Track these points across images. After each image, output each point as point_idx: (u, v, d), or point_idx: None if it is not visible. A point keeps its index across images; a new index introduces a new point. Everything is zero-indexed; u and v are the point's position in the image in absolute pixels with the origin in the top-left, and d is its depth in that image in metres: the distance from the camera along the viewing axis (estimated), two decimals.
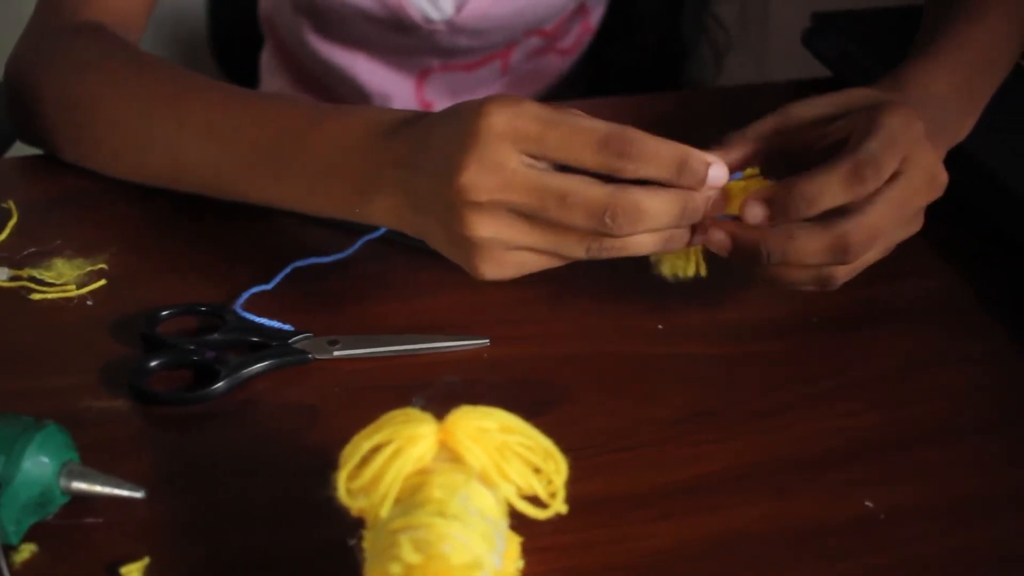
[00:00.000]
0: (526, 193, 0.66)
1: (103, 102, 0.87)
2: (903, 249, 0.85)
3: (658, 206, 0.67)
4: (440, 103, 1.26)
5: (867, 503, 0.67)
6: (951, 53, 0.86)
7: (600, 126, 0.67)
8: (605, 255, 0.69)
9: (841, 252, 0.71)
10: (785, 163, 0.75)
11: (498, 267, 0.69)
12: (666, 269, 0.78)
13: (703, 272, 0.77)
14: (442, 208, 0.69)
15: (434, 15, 1.15)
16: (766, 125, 0.76)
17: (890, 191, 0.71)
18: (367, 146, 0.74)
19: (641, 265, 0.80)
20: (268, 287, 0.81)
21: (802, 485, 0.69)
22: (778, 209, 0.71)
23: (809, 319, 0.81)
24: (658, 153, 0.67)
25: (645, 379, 0.76)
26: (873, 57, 1.03)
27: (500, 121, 0.66)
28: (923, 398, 0.75)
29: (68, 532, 0.64)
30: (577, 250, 0.68)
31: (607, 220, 0.66)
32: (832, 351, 0.79)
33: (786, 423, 0.73)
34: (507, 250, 0.69)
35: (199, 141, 0.82)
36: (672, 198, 0.68)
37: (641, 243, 0.69)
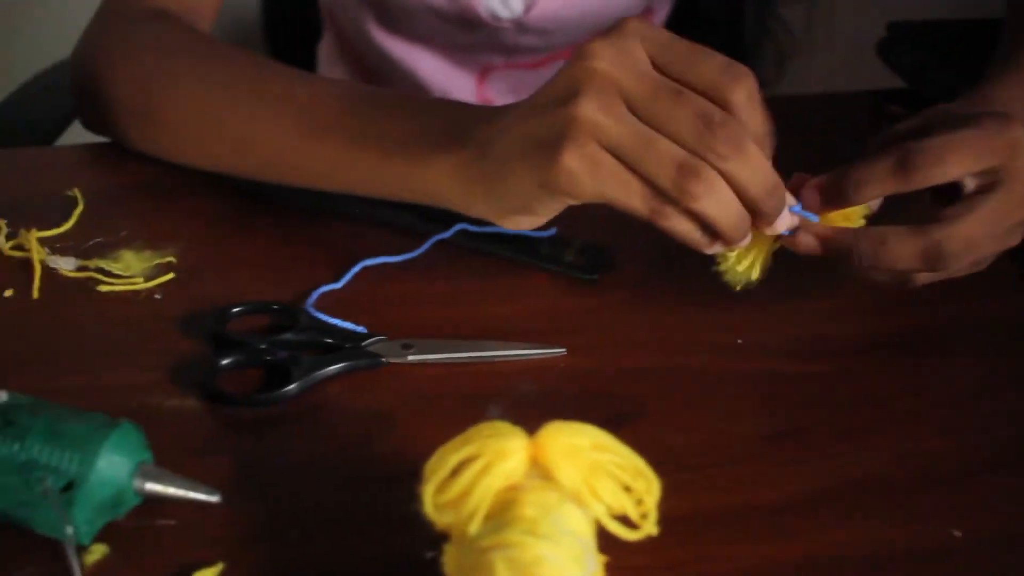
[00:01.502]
0: (645, 79, 0.65)
1: (180, 84, 0.86)
2: (985, 269, 0.84)
3: (756, 154, 0.66)
4: (501, 100, 1.25)
5: (955, 532, 0.66)
6: None
7: (721, 56, 0.66)
8: (694, 187, 0.65)
9: (933, 260, 0.70)
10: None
11: (581, 159, 0.66)
12: (729, 274, 0.75)
13: (761, 276, 0.75)
14: (539, 106, 0.68)
15: (503, 13, 1.13)
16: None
17: (987, 201, 0.70)
18: (455, 106, 0.77)
19: (716, 281, 0.79)
20: (338, 286, 0.79)
21: (885, 510, 0.67)
22: (833, 195, 0.71)
23: (889, 338, 0.79)
24: (762, 106, 0.67)
25: (722, 395, 0.74)
26: (949, 69, 1.01)
27: (635, 22, 0.67)
28: (1006, 422, 0.74)
29: (140, 534, 0.62)
30: (668, 168, 0.65)
31: (714, 126, 0.64)
32: (910, 372, 0.77)
33: (867, 445, 0.71)
34: (599, 147, 0.66)
35: (273, 115, 0.82)
36: (767, 162, 0.67)
37: (726, 196, 0.66)
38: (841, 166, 0.71)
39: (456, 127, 0.75)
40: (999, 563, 0.65)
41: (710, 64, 0.66)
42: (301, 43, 1.41)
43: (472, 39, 1.17)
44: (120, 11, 0.93)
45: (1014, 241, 0.73)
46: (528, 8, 1.13)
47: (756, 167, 0.66)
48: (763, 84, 1.35)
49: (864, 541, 0.65)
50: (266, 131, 0.83)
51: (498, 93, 1.24)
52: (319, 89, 0.83)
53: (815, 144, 0.99)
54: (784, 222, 0.70)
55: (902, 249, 0.70)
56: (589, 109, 0.65)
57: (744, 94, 0.65)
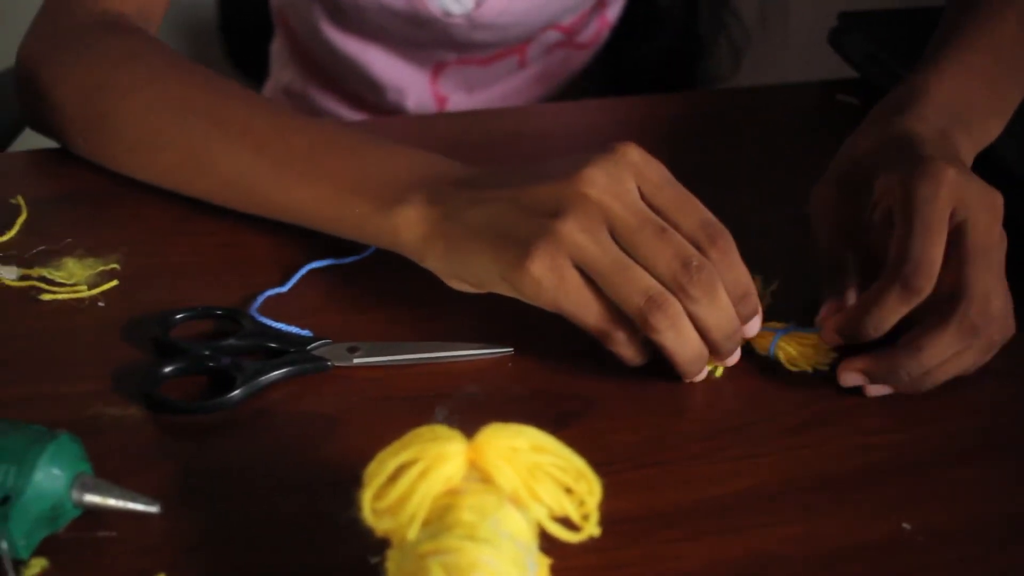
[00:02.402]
0: (631, 210, 0.68)
1: (132, 95, 0.85)
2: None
3: (726, 302, 0.69)
4: (455, 96, 1.24)
5: (904, 525, 0.65)
6: (968, 52, 0.84)
7: (704, 209, 0.70)
8: (658, 320, 0.67)
9: (971, 332, 0.70)
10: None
11: (550, 269, 0.68)
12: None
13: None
14: (529, 208, 0.70)
15: (454, 9, 1.13)
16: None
17: (972, 251, 0.71)
18: (419, 160, 0.78)
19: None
20: (283, 289, 0.79)
21: (835, 505, 0.67)
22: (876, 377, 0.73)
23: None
24: (737, 266, 0.70)
25: (672, 393, 0.73)
26: (899, 58, 1.01)
27: (634, 154, 0.70)
28: (958, 415, 0.73)
29: (80, 546, 0.61)
30: (636, 297, 0.67)
31: (692, 268, 0.67)
32: None
33: (818, 439, 0.71)
34: (569, 263, 0.68)
35: (230, 141, 0.81)
36: (731, 310, 0.70)
37: (689, 334, 0.69)
38: (849, 312, 0.73)
39: (432, 183, 0.75)
40: (948, 555, 0.64)
41: (696, 216, 0.70)
42: (257, 43, 1.40)
43: (424, 36, 1.17)
44: (70, 11, 0.91)
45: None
46: (478, 4, 1.13)
47: (723, 313, 0.69)
48: (719, 77, 1.36)
49: (813, 536, 0.65)
50: (220, 157, 0.81)
51: (452, 89, 1.24)
52: (278, 119, 0.82)
53: (767, 135, 1.00)
54: (734, 359, 0.74)
55: (939, 342, 0.70)
56: (571, 227, 0.68)
57: (720, 253, 0.69)
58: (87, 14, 0.90)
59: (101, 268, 0.79)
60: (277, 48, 1.33)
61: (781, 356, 0.75)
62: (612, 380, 0.74)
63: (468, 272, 0.72)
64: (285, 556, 0.62)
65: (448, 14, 1.13)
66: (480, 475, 0.55)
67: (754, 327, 0.73)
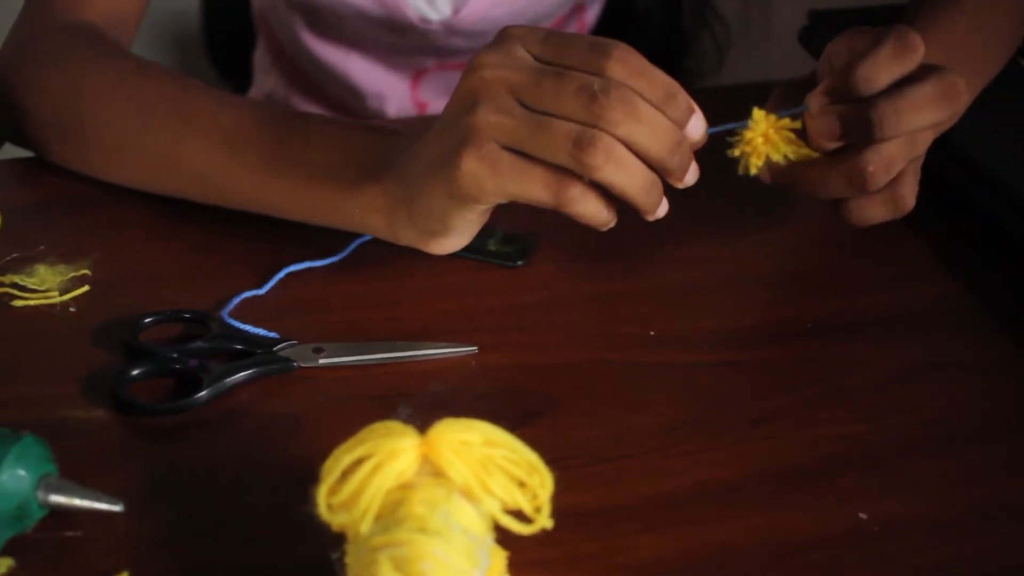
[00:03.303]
0: (527, 71, 0.67)
1: (102, 100, 0.86)
2: (900, 254, 0.85)
3: (651, 113, 0.66)
4: (435, 103, 1.25)
5: (861, 515, 0.66)
6: (929, 44, 0.84)
7: (591, 38, 0.68)
8: (593, 157, 0.65)
9: (948, 99, 0.72)
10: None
11: (480, 160, 0.67)
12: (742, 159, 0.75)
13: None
14: (441, 130, 0.70)
15: (431, 16, 1.14)
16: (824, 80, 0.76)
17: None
18: (374, 140, 0.78)
19: (632, 273, 0.79)
20: (262, 292, 0.80)
21: (794, 496, 0.68)
22: (839, 94, 0.72)
23: (803, 326, 0.80)
24: (646, 68, 0.67)
25: (634, 388, 0.74)
26: None
27: (513, 28, 0.69)
28: (918, 406, 0.74)
29: (47, 546, 0.62)
30: (564, 144, 0.65)
31: (599, 96, 0.65)
32: (826, 359, 0.78)
33: (778, 432, 0.72)
34: (497, 147, 0.67)
35: (197, 139, 0.82)
36: (661, 119, 0.67)
37: (627, 160, 0.66)
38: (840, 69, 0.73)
39: (378, 159, 0.76)
40: (905, 545, 0.65)
41: (582, 45, 0.67)
42: (241, 51, 1.41)
43: (403, 42, 1.18)
44: (41, 22, 0.92)
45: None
46: (456, 10, 1.14)
47: (652, 126, 0.66)
48: (703, 75, 1.36)
49: (772, 528, 0.66)
50: (191, 154, 0.83)
51: (433, 95, 1.25)
52: (244, 113, 0.82)
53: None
54: (694, 175, 0.70)
55: (921, 93, 0.71)
56: (482, 114, 0.67)
57: (619, 65, 0.66)
58: (59, 25, 0.91)
59: (72, 274, 0.80)
60: (260, 55, 1.34)
61: (746, 149, 0.74)
62: (573, 377, 0.75)
63: (430, 221, 0.72)
64: (249, 553, 0.63)
65: (425, 21, 1.14)
66: (433, 469, 0.56)
67: (697, 128, 0.69)
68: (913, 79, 0.72)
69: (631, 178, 0.67)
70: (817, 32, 1.07)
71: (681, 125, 0.68)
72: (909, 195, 0.76)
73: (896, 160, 0.73)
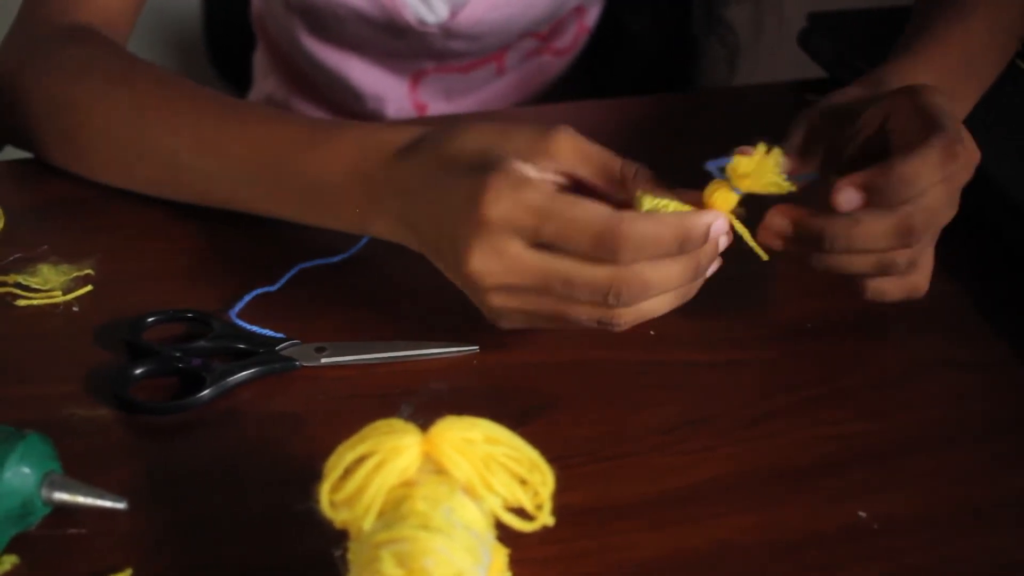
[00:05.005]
0: (530, 276, 0.68)
1: (95, 108, 0.86)
2: None
3: (665, 275, 0.68)
4: (434, 104, 1.26)
5: (860, 513, 0.67)
6: (933, 53, 0.85)
7: (596, 220, 0.66)
8: (619, 327, 0.69)
9: (906, 234, 0.70)
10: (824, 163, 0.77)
11: (512, 323, 0.71)
12: None
13: None
14: (451, 261, 0.70)
15: (429, 19, 1.14)
16: (801, 127, 0.77)
17: (930, 144, 0.71)
18: (365, 173, 0.75)
19: None
20: (273, 288, 0.80)
21: (793, 495, 0.68)
22: (875, 193, 0.70)
23: (802, 326, 0.80)
24: (657, 238, 0.67)
25: (634, 387, 0.75)
26: (868, 58, 1.02)
27: (499, 210, 0.67)
28: (916, 405, 0.75)
29: (51, 543, 0.63)
30: (588, 322, 0.69)
31: (611, 299, 0.67)
32: (825, 358, 0.78)
33: (777, 431, 0.72)
34: (518, 308, 0.70)
35: (191, 153, 0.82)
36: (680, 266, 0.68)
37: (654, 308, 0.70)
38: (879, 165, 0.71)
39: (372, 200, 0.75)
40: (902, 542, 0.66)
41: (586, 236, 0.66)
42: (242, 51, 1.41)
43: (402, 45, 1.18)
44: (37, 26, 0.93)
45: (955, 209, 0.74)
46: (454, 13, 1.14)
47: (669, 281, 0.68)
48: (714, 83, 1.35)
49: (771, 525, 0.66)
50: (189, 170, 0.83)
51: (432, 97, 1.25)
52: (230, 123, 0.82)
53: (736, 135, 1.00)
54: (718, 229, 0.70)
55: (876, 227, 0.70)
56: (498, 302, 0.69)
57: (627, 252, 0.66)
58: (54, 27, 0.92)
59: (75, 274, 0.80)
60: (259, 58, 1.34)
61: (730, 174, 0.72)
62: (574, 376, 0.75)
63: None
64: (252, 551, 0.64)
65: (423, 24, 1.14)
66: (435, 467, 0.57)
67: (722, 242, 0.71)
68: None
69: (659, 311, 0.70)
70: (816, 34, 1.07)
71: (709, 256, 0.70)
72: (923, 281, 0.75)
73: (938, 211, 0.72)
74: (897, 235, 0.70)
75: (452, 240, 0.69)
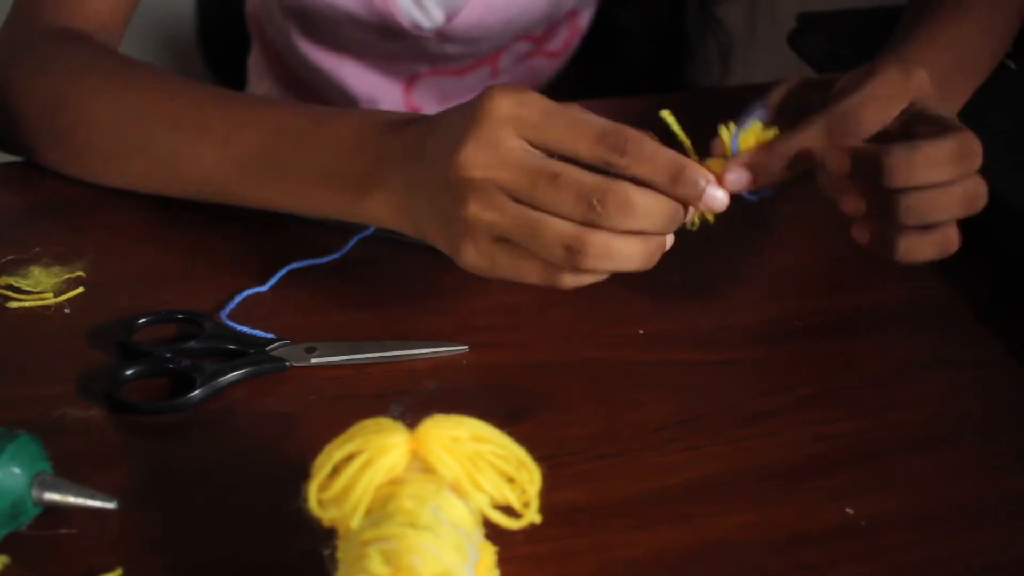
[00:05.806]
0: (519, 172, 0.67)
1: (93, 105, 0.86)
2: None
3: (649, 203, 0.66)
4: (429, 108, 1.26)
5: (848, 511, 0.67)
6: (923, 52, 0.85)
7: (600, 121, 0.67)
8: (585, 261, 0.67)
9: (969, 158, 0.70)
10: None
11: (478, 255, 0.69)
12: None
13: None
14: (438, 190, 0.69)
15: (424, 23, 1.14)
16: (782, 88, 0.78)
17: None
18: (368, 142, 0.76)
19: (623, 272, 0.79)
20: (263, 289, 0.80)
21: (783, 493, 0.68)
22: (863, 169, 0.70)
23: (793, 325, 0.80)
24: (655, 156, 0.67)
25: (625, 386, 0.75)
26: (858, 58, 1.02)
27: (503, 105, 0.67)
28: (907, 404, 0.75)
29: (41, 543, 0.63)
30: (556, 249, 0.67)
31: (595, 204, 0.66)
32: (816, 357, 0.78)
33: (768, 430, 0.72)
34: (492, 240, 0.69)
35: (192, 144, 0.82)
36: (663, 203, 0.67)
37: (621, 249, 0.67)
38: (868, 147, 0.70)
39: (375, 168, 0.75)
40: (892, 540, 0.66)
41: (589, 134, 0.67)
42: (236, 53, 1.41)
43: (396, 48, 1.18)
44: (29, 27, 0.93)
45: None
46: (449, 17, 1.14)
47: (652, 217, 0.67)
48: (707, 83, 1.35)
49: (763, 524, 0.66)
50: (186, 163, 0.83)
51: (426, 100, 1.25)
52: (232, 116, 0.82)
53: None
54: (715, 196, 0.69)
55: (937, 150, 0.69)
56: (473, 211, 0.68)
57: (630, 155, 0.66)
58: (45, 29, 0.92)
59: (67, 276, 0.80)
60: (254, 60, 1.35)
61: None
62: (565, 375, 0.75)
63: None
64: (242, 551, 0.64)
65: (418, 28, 1.15)
66: (422, 465, 0.57)
67: (715, 197, 0.69)
68: (932, 134, 0.70)
69: (626, 263, 0.68)
70: (807, 34, 1.08)
71: (694, 200, 0.68)
72: (956, 234, 0.73)
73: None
74: (961, 159, 0.69)
75: (447, 141, 0.69)
